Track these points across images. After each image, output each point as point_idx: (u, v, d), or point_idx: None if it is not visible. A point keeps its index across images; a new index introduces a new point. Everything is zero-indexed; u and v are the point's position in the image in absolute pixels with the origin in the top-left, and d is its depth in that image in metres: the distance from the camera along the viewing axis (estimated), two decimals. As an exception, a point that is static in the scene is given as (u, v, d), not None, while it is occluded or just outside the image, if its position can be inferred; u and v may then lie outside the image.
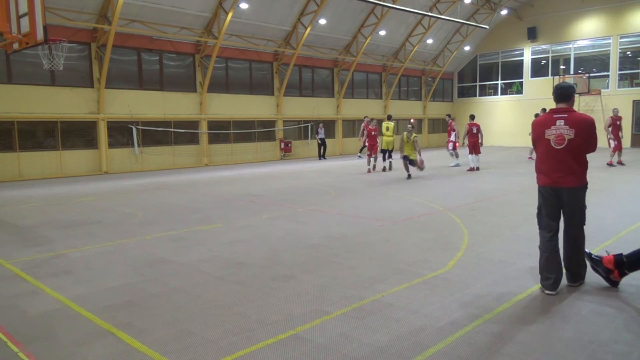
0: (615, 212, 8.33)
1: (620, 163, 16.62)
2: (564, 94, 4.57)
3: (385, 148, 16.77)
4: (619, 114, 17.03)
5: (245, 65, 22.97)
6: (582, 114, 4.58)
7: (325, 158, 23.71)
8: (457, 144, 18.66)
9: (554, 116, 4.54)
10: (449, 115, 19.61)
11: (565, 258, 4.70)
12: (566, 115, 4.48)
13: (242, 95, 22.81)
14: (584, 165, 4.51)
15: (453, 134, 18.46)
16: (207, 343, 3.65)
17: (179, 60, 20.74)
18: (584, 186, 4.54)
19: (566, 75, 28.18)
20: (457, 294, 4.55)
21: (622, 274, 4.53)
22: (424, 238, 6.83)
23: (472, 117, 17.01)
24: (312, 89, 26.11)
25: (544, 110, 16.63)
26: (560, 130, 4.46)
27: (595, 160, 15.42)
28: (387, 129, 16.83)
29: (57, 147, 17.59)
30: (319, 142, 23.68)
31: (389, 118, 17.36)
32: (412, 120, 24.35)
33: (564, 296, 4.49)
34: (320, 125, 23.85)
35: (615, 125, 16.53)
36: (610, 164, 16.31)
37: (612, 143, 16.44)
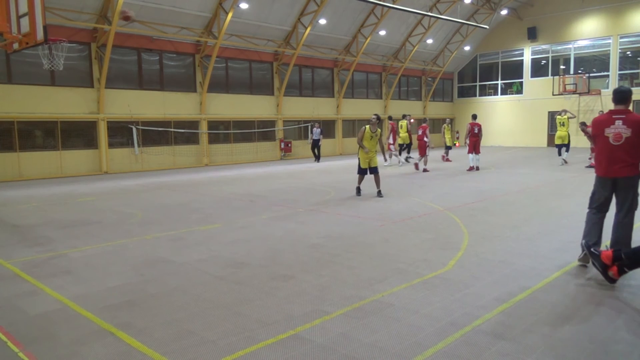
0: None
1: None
2: (622, 97, 5.21)
3: (402, 143, 19.20)
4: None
5: (245, 65, 22.97)
6: (638, 115, 5.12)
7: (318, 161, 21.93)
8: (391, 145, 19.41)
9: (613, 116, 5.15)
10: (404, 116, 19.34)
11: (612, 241, 5.17)
12: (624, 116, 5.10)
13: (242, 95, 22.81)
14: (637, 158, 5.10)
15: (395, 135, 19.16)
16: (207, 343, 3.65)
17: (179, 60, 20.74)
18: (637, 175, 5.13)
19: (566, 75, 28.17)
20: (457, 294, 4.55)
21: (622, 272, 4.56)
22: (424, 238, 6.83)
23: (474, 117, 17.02)
24: (312, 89, 26.10)
25: (601, 112, 17.43)
26: (619, 129, 5.10)
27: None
28: (401, 126, 19.20)
29: (57, 147, 17.58)
30: (313, 143, 22.19)
31: (404, 117, 19.33)
32: (412, 120, 24.32)
33: (564, 296, 4.49)
34: (316, 125, 22.44)
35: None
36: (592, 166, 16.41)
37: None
